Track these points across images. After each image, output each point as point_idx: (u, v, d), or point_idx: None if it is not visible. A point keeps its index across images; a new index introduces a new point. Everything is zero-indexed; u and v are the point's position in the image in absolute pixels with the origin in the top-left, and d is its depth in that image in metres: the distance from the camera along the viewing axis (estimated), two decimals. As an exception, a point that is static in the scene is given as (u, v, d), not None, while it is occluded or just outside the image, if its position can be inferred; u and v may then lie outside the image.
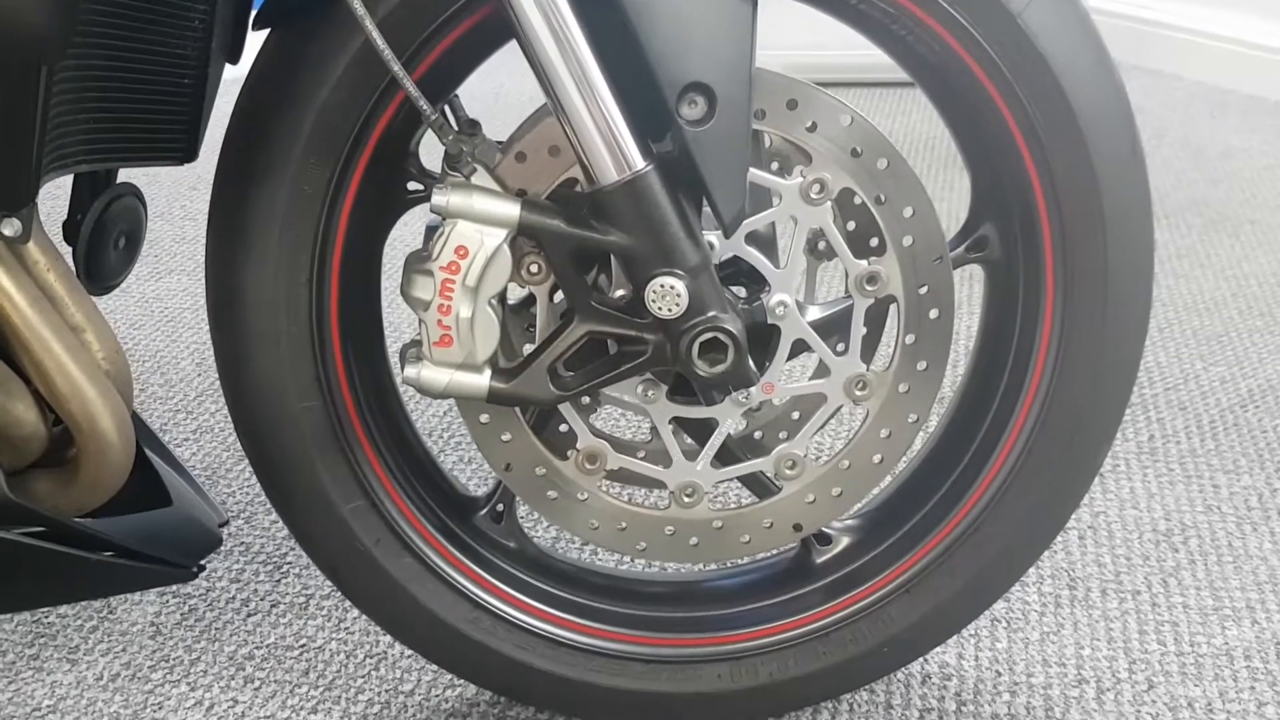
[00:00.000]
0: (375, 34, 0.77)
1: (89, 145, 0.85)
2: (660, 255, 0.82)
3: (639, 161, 0.81)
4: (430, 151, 0.92)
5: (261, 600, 1.21)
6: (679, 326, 0.83)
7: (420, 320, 0.84)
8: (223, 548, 1.29)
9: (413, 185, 0.93)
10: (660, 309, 0.83)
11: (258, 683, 1.11)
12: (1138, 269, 0.92)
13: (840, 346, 0.92)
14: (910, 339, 0.92)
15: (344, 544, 0.94)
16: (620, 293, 0.87)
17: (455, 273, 0.83)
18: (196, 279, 1.91)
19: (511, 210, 0.82)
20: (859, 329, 0.92)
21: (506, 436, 0.92)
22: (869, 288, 0.90)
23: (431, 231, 0.86)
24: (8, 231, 0.82)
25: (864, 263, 0.90)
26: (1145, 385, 1.62)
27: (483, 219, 0.82)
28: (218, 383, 1.43)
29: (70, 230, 0.99)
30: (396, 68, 0.79)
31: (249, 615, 1.19)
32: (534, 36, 0.78)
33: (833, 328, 0.92)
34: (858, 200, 0.89)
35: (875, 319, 0.93)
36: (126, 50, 0.84)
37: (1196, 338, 1.74)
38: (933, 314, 0.91)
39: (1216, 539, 1.31)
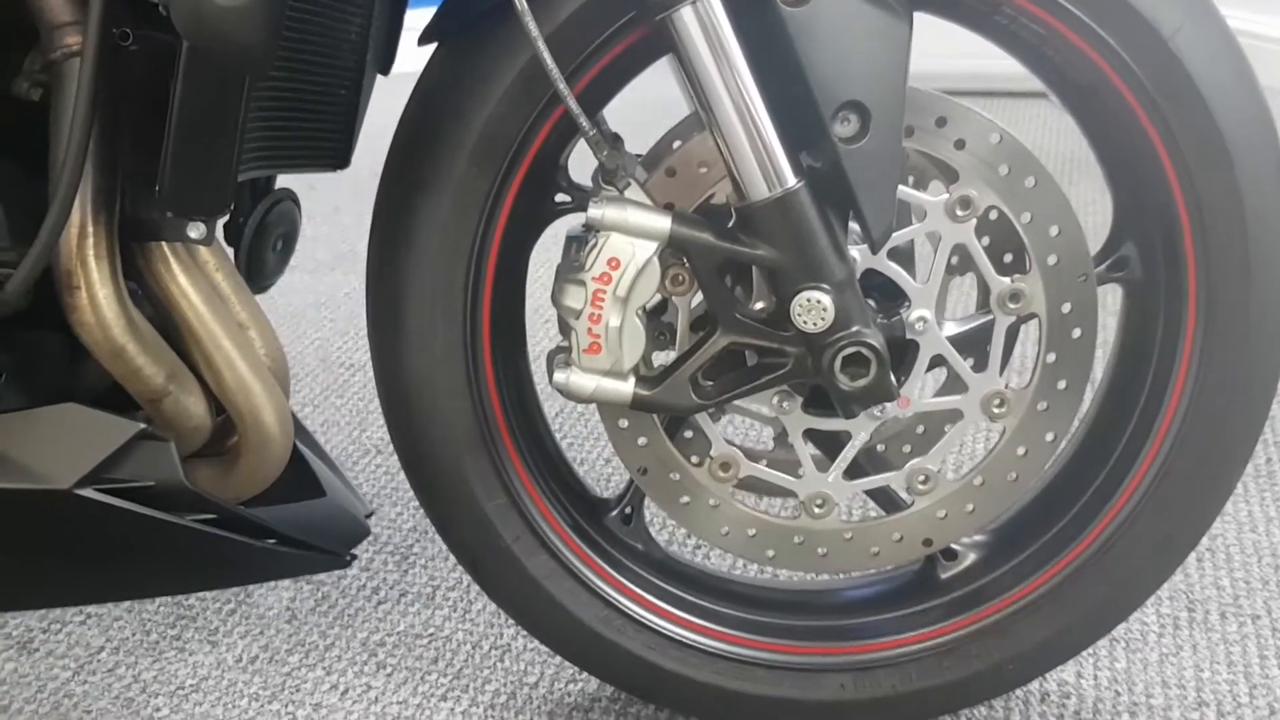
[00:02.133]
0: (545, 52, 0.80)
1: (261, 153, 0.90)
2: (807, 270, 0.84)
3: (790, 178, 0.83)
4: (577, 164, 0.96)
5: (390, 589, 1.26)
6: (823, 340, 0.85)
7: (570, 327, 0.87)
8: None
9: (561, 197, 0.96)
10: (806, 322, 0.84)
11: (389, 669, 1.16)
12: (1281, 292, 0.91)
13: (977, 362, 0.93)
14: (1051, 357, 0.93)
15: (485, 539, 0.97)
16: (760, 305, 0.89)
17: (607, 283, 0.85)
18: (318, 277, 1.98)
19: (663, 224, 0.85)
20: (999, 346, 0.92)
21: (643, 441, 0.95)
22: (1012, 305, 0.91)
23: (573, 243, 0.89)
24: (194, 234, 0.87)
25: (1007, 280, 0.91)
26: (1265, 406, 1.59)
27: (635, 232, 0.85)
28: (341, 378, 1.48)
29: (232, 232, 1.04)
30: (562, 85, 0.81)
31: (379, 603, 1.24)
32: (695, 56, 0.81)
33: (969, 343, 0.94)
34: (994, 215, 0.90)
35: (1010, 335, 0.94)
36: (295, 62, 0.89)
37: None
38: (1075, 333, 0.92)
39: (1340, 566, 1.28)
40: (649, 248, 0.85)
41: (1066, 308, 0.91)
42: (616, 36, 0.86)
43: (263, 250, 1.06)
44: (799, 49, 0.80)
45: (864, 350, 0.85)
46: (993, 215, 0.90)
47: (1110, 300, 1.06)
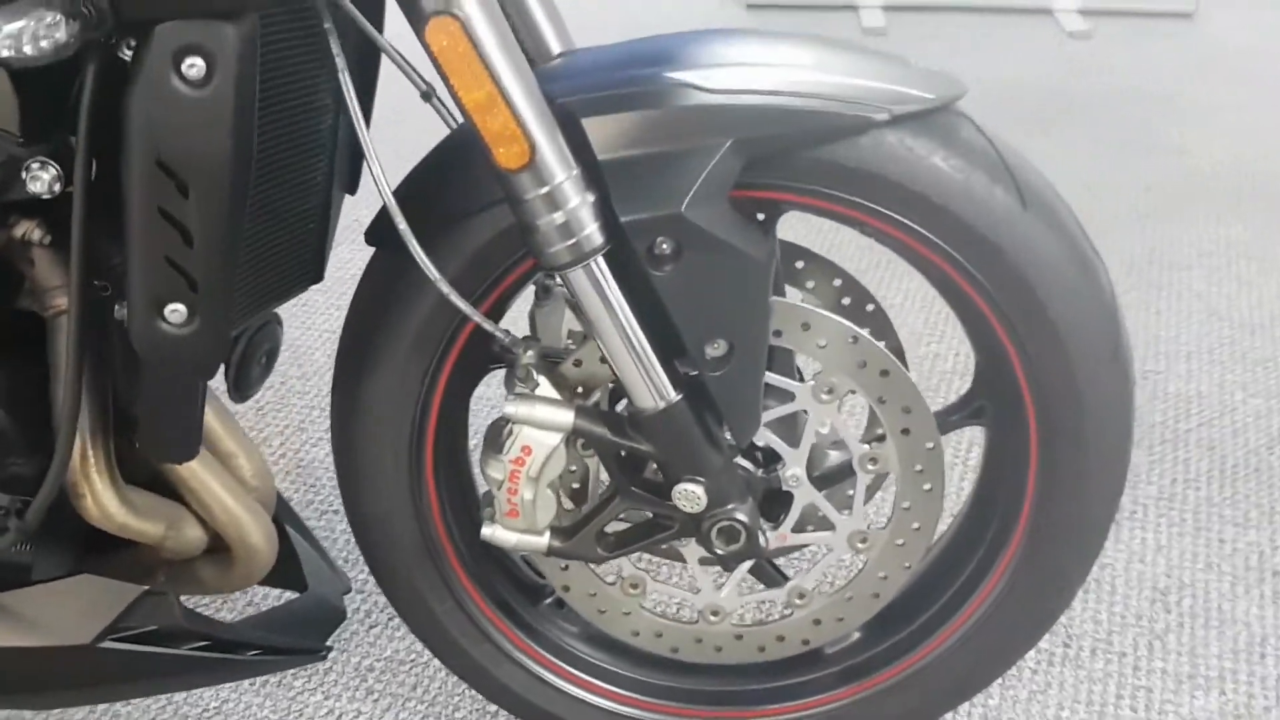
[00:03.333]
0: (447, 288, 0.95)
1: (239, 310, 1.04)
2: (685, 466, 1.00)
3: (670, 393, 0.97)
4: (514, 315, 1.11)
5: (381, 612, 1.48)
6: (700, 517, 1.02)
7: (494, 494, 1.04)
8: (349, 557, 1.55)
9: (494, 359, 1.12)
10: (685, 505, 1.01)
11: (376, 694, 1.39)
12: (1114, 453, 1.06)
13: (841, 505, 1.10)
14: (906, 504, 1.09)
15: (436, 634, 1.18)
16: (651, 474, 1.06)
17: (521, 465, 1.02)
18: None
19: (566, 418, 1.01)
20: (860, 497, 1.09)
21: (564, 566, 1.13)
22: (870, 467, 1.07)
23: (496, 426, 1.05)
24: None
25: (865, 446, 1.06)
26: (1180, 419, 1.73)
27: (543, 425, 1.01)
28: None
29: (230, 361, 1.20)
30: (469, 309, 0.96)
31: (370, 627, 1.46)
32: (585, 302, 0.94)
33: (838, 478, 1.10)
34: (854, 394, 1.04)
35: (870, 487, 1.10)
36: (263, 222, 0.97)
37: (1243, 362, 1.83)
38: (926, 487, 1.08)
39: (1209, 600, 1.46)
40: (555, 437, 1.01)
41: (918, 467, 1.07)
42: (518, 263, 1.00)
43: (249, 366, 1.22)
44: (666, 303, 0.94)
45: (735, 525, 1.02)
46: (853, 394, 1.04)
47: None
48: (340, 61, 0.88)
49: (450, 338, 1.05)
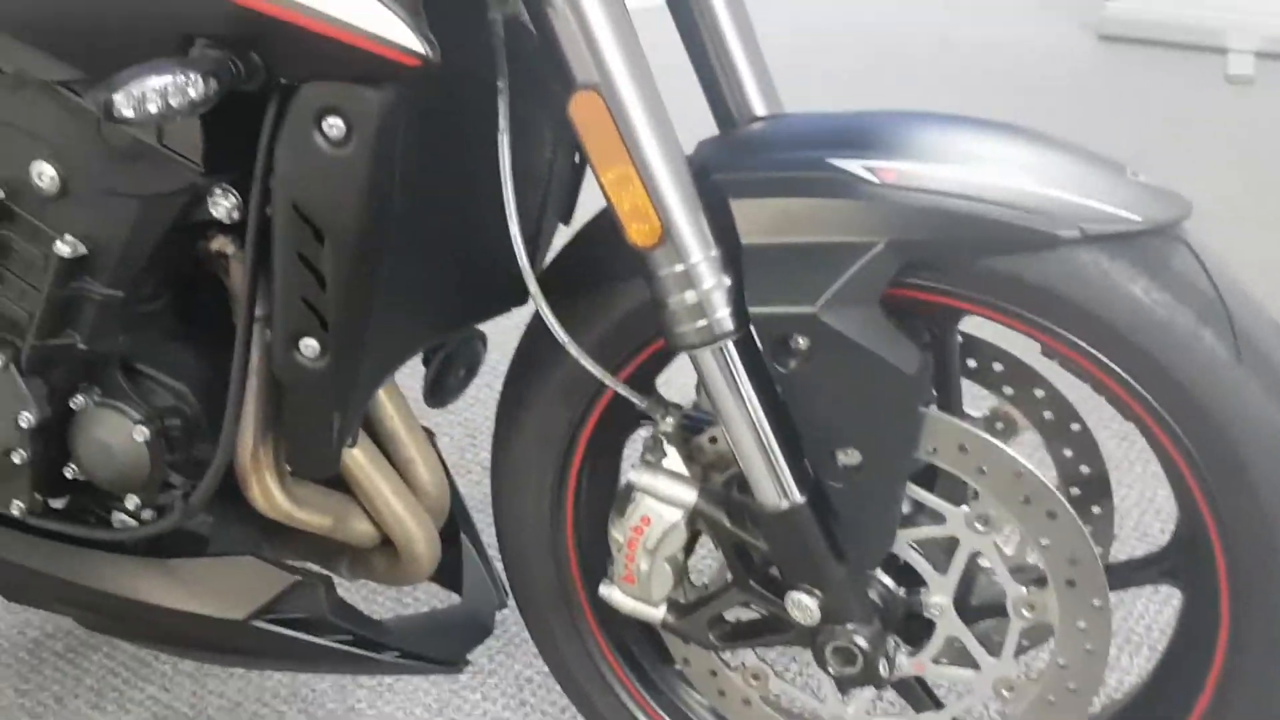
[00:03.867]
0: (584, 358, 0.93)
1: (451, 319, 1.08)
2: (801, 574, 0.93)
3: (795, 495, 0.91)
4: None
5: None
6: (814, 631, 0.94)
7: (614, 553, 1.02)
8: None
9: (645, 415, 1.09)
10: (796, 615, 0.94)
11: (528, 708, 1.42)
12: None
13: (992, 650, 0.98)
14: (1063, 661, 0.95)
15: (566, 676, 1.18)
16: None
17: (639, 535, 0.99)
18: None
19: (688, 498, 0.97)
20: (1011, 644, 0.96)
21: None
22: (1027, 613, 0.94)
23: (625, 489, 1.02)
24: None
25: (1024, 589, 0.94)
26: None
27: (664, 499, 0.97)
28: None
29: (426, 356, 1.26)
30: (609, 379, 0.94)
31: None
32: (712, 386, 0.90)
33: (987, 614, 0.98)
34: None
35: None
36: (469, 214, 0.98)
37: None
38: (1088, 646, 0.94)
39: None
40: (676, 513, 0.98)
41: (1081, 624, 0.93)
42: (655, 338, 0.96)
43: (446, 377, 1.27)
44: (791, 402, 0.87)
45: (851, 648, 0.94)
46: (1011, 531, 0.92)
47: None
48: (503, 122, 0.88)
49: (595, 393, 1.03)
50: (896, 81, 3.21)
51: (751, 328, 0.86)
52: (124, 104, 0.71)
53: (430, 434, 1.34)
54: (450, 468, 1.27)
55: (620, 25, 0.82)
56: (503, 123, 0.87)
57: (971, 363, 1.02)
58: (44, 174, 0.90)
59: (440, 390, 1.28)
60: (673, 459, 0.98)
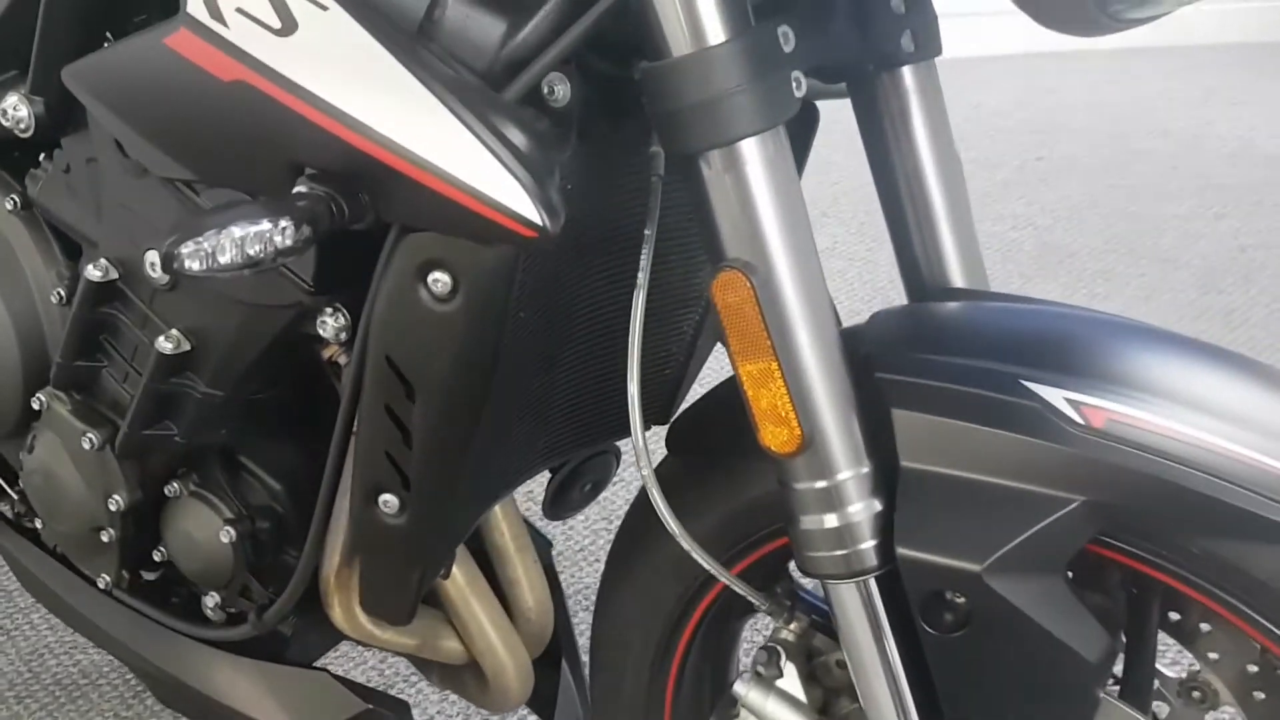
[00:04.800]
0: (695, 550, 0.80)
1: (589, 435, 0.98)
2: None
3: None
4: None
5: None
6: None
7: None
8: None
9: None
10: None
11: None
12: None
13: None
14: None
15: None
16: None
17: (738, 757, 0.85)
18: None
19: (798, 732, 0.82)
20: None
21: None
22: None
23: (733, 701, 0.89)
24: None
25: None
26: None
27: (771, 726, 0.83)
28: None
29: (555, 468, 1.16)
30: (712, 566, 0.81)
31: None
32: (840, 620, 0.75)
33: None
34: None
35: None
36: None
37: None
38: None
39: None
40: (783, 746, 0.83)
41: None
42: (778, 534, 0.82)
43: (571, 490, 1.17)
44: (941, 668, 0.71)
45: None
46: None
47: None
48: (642, 277, 0.75)
49: (708, 577, 0.90)
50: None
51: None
52: (192, 257, 0.62)
53: (548, 544, 1.24)
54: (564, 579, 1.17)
55: (785, 196, 0.68)
56: (642, 277, 0.75)
57: (1174, 615, 0.83)
58: (156, 264, 0.84)
59: (562, 504, 1.17)
60: (789, 679, 0.84)
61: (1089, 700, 0.71)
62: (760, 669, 0.85)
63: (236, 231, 0.63)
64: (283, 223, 0.63)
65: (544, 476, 1.15)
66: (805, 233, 0.69)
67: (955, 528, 0.69)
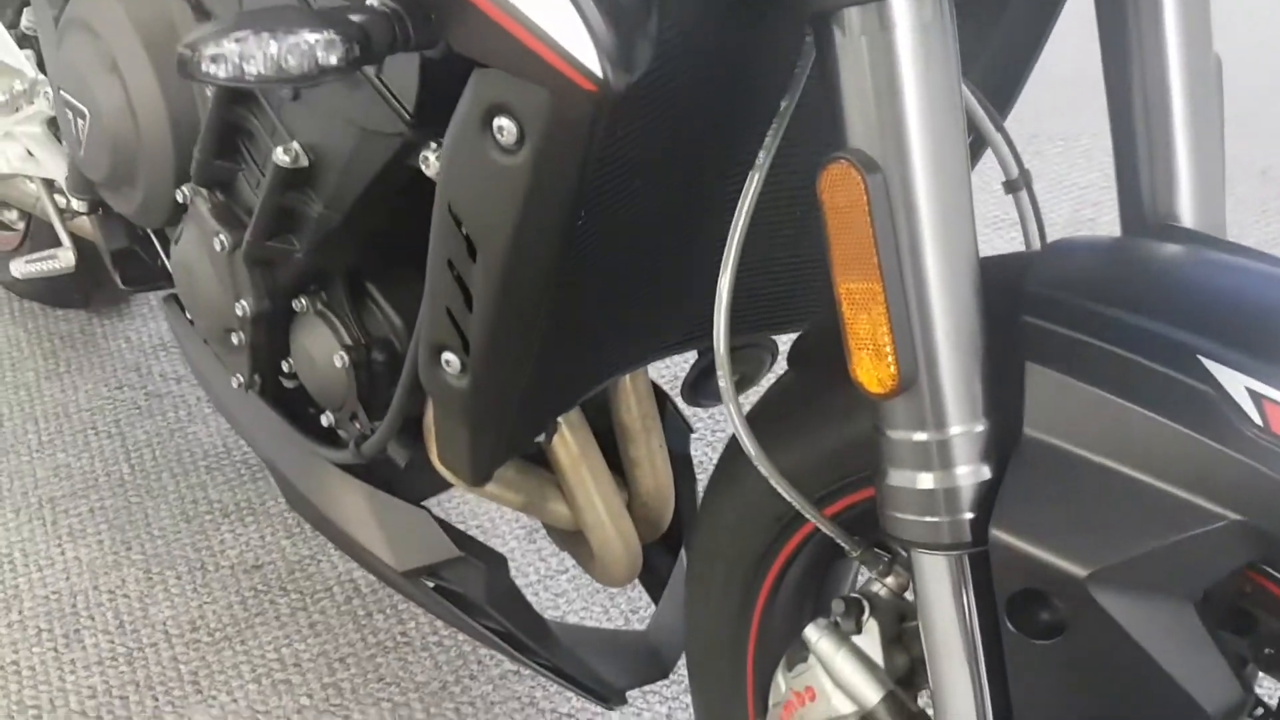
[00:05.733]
0: (784, 485, 0.70)
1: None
2: None
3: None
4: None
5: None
6: None
7: (769, 705, 0.81)
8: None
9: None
10: None
11: None
12: None
13: None
14: None
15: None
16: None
17: (799, 704, 0.77)
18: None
19: (868, 696, 0.73)
20: None
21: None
22: None
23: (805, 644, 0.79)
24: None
25: None
26: None
27: (838, 682, 0.74)
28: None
29: (702, 351, 1.08)
30: (803, 505, 0.71)
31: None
32: (922, 594, 0.64)
33: None
34: None
35: None
36: None
37: None
38: None
39: None
40: (846, 706, 0.74)
41: None
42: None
43: (709, 378, 1.09)
44: (1022, 679, 0.59)
45: None
46: None
47: None
48: (763, 156, 0.64)
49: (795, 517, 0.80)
50: None
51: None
52: (214, 62, 0.56)
53: (687, 431, 1.16)
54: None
55: (936, 78, 0.55)
56: (763, 157, 0.63)
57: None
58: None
59: (704, 391, 1.09)
60: (869, 638, 0.74)
61: (1203, 760, 0.58)
62: (839, 619, 0.75)
63: (271, 40, 0.57)
64: (328, 35, 0.57)
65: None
66: (953, 129, 0.56)
67: (1068, 519, 0.56)
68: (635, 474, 1.08)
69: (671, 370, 1.65)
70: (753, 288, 0.90)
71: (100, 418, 1.71)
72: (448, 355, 0.73)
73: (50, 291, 1.81)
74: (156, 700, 1.35)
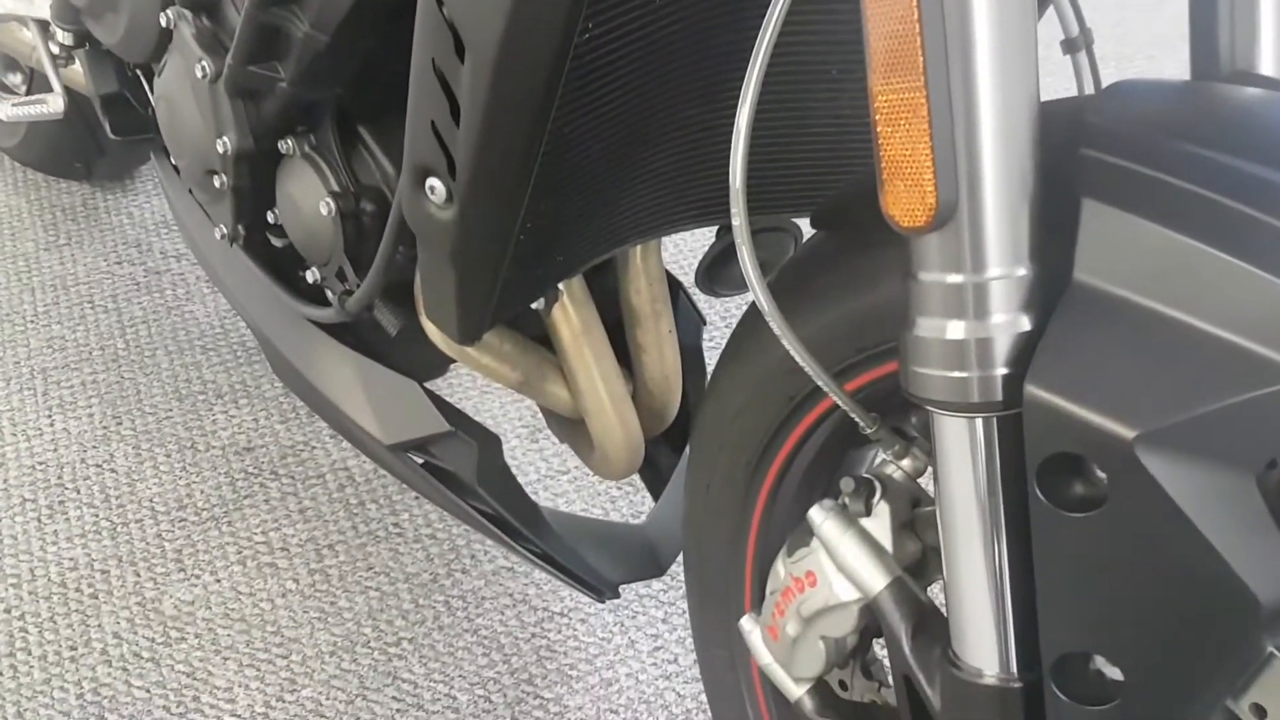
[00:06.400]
0: (802, 354, 0.62)
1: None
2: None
3: (1012, 677, 0.58)
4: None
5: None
6: None
7: (768, 590, 0.75)
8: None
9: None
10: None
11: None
12: None
13: None
14: None
15: (709, 674, 0.94)
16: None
17: (798, 590, 0.70)
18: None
19: (873, 582, 0.66)
20: None
21: None
22: None
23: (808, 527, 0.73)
24: (535, 306, 0.89)
25: None
26: None
27: (841, 567, 0.67)
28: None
29: (720, 234, 1.01)
30: (831, 387, 0.64)
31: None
32: (941, 460, 0.57)
33: None
34: None
35: None
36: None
37: None
38: None
39: None
40: (849, 593, 0.68)
41: None
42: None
43: (731, 263, 1.02)
44: (1053, 559, 0.52)
45: None
46: None
47: None
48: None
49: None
50: None
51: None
52: None
53: (700, 322, 1.09)
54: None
55: None
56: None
57: None
58: None
59: (719, 278, 1.02)
60: (878, 521, 0.67)
61: (1250, 654, 0.50)
62: (846, 499, 0.68)
63: None
64: None
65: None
66: None
67: (1117, 374, 0.48)
68: (642, 359, 1.01)
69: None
70: (785, 159, 0.83)
71: (98, 291, 1.66)
72: (432, 180, 0.66)
73: (52, 160, 1.75)
74: (138, 576, 1.31)
